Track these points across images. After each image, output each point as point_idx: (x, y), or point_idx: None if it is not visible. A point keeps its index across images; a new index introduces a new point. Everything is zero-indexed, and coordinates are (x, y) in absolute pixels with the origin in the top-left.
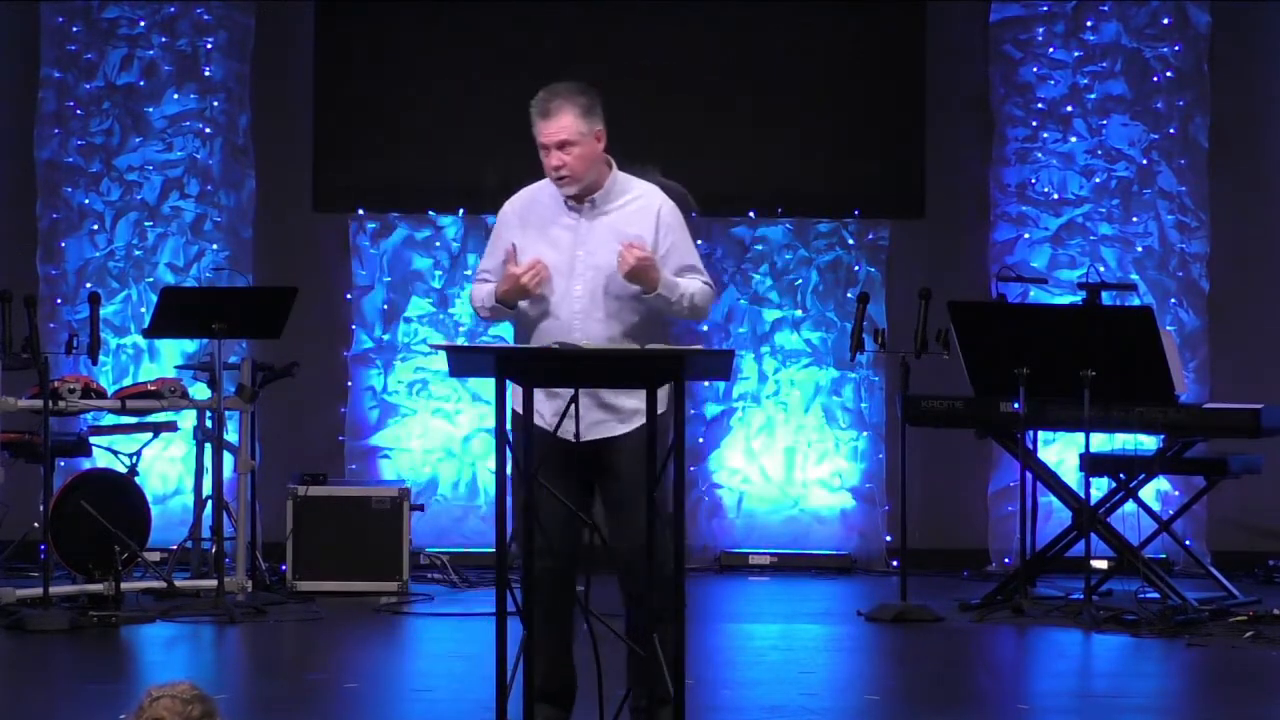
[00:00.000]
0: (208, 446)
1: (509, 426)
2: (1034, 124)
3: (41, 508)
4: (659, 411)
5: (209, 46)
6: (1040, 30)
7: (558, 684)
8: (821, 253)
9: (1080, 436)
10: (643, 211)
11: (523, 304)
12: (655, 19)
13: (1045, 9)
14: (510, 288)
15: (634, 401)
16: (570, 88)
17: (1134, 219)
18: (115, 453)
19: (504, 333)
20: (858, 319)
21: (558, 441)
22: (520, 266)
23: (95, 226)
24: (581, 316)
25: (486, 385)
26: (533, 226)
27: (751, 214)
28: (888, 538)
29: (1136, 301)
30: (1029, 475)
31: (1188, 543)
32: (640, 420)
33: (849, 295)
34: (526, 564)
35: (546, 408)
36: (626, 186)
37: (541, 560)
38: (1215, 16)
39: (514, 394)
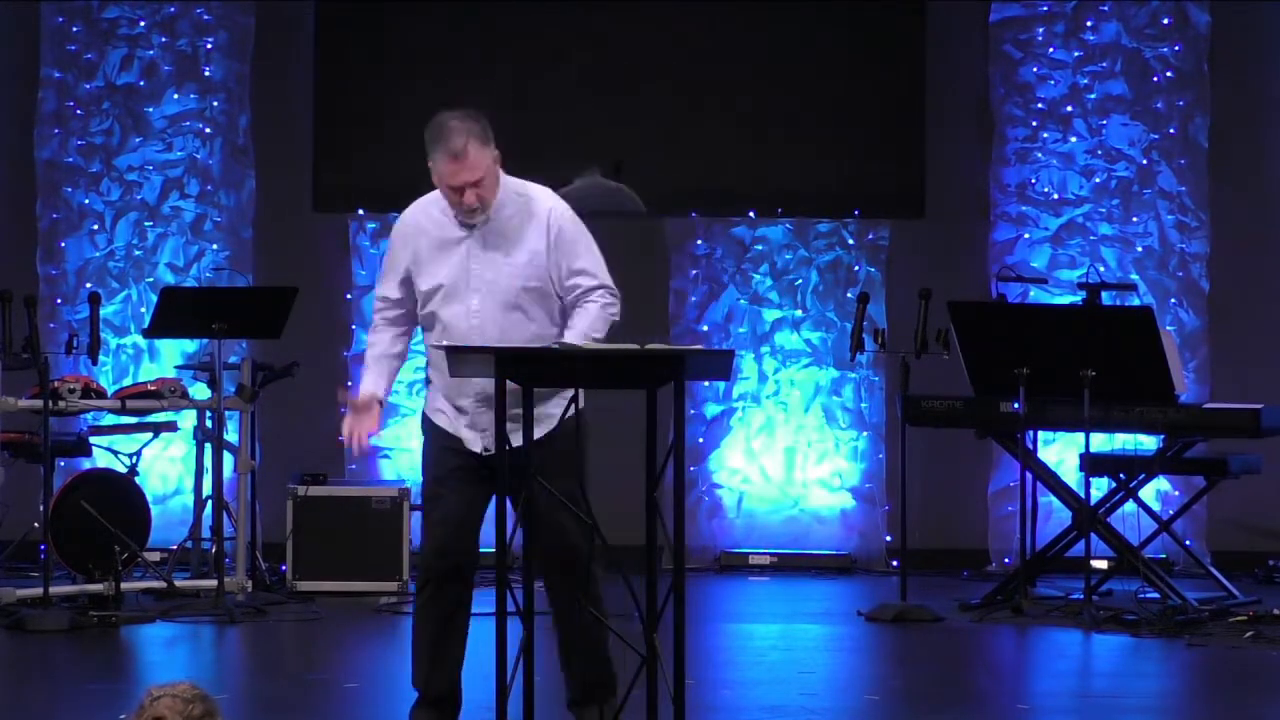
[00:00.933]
0: (208, 446)
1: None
2: (1034, 124)
3: (41, 508)
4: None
5: (209, 46)
6: (1040, 30)
7: (445, 687)
8: (821, 253)
9: (1080, 436)
10: (532, 218)
11: (425, 317)
12: (655, 19)
13: (1045, 9)
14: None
15: (539, 408)
16: (469, 124)
17: (1134, 219)
18: (115, 453)
19: None
20: (858, 319)
21: (467, 451)
22: (351, 433)
23: (95, 226)
24: (479, 332)
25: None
26: (425, 248)
27: (751, 214)
28: (888, 538)
29: (1136, 301)
30: (1029, 475)
31: (1188, 543)
32: (547, 426)
33: (849, 295)
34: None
35: (468, 433)
36: (513, 193)
37: (442, 559)
38: (1215, 16)
39: (429, 402)
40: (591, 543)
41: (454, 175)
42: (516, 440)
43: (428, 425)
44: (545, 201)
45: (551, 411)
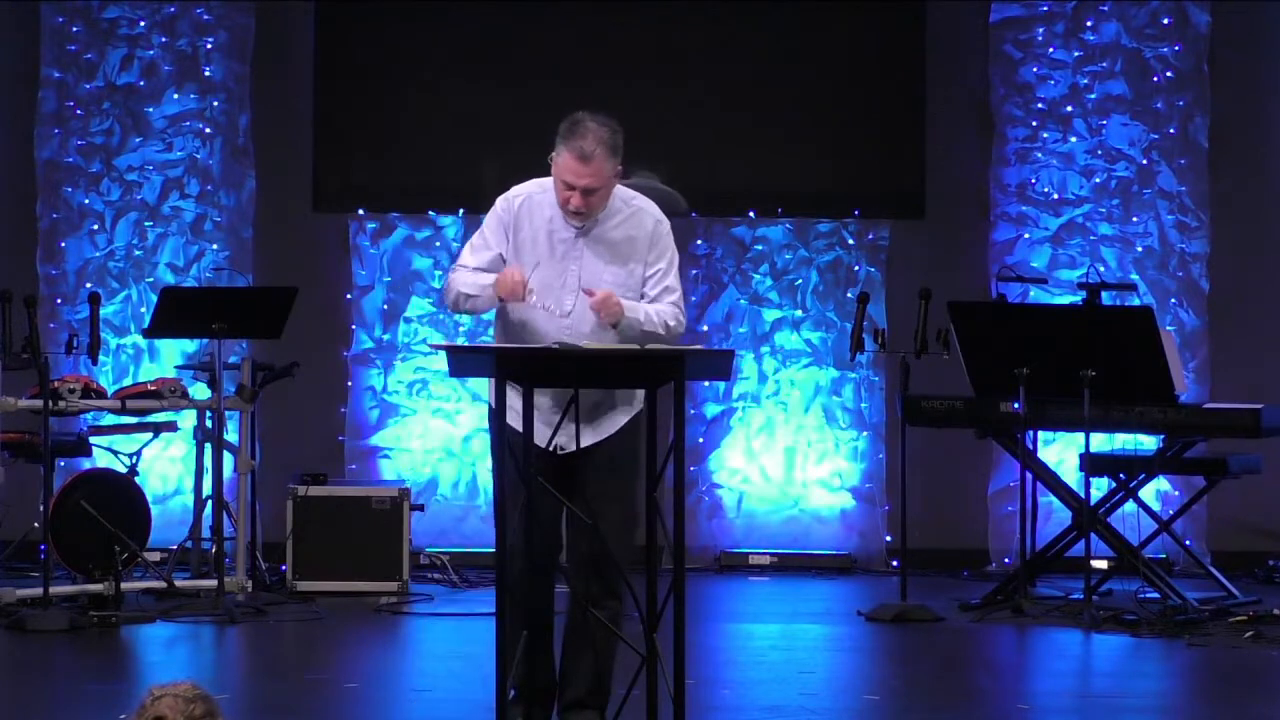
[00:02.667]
0: (208, 446)
1: (505, 432)
2: (1034, 124)
3: (41, 508)
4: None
5: (209, 46)
6: (1040, 30)
7: (520, 679)
8: (821, 253)
9: (1080, 436)
10: (637, 229)
11: (513, 315)
12: (655, 19)
13: (1045, 9)
14: (509, 294)
15: (614, 412)
16: (606, 132)
17: (1134, 219)
18: (115, 453)
19: None
20: (858, 319)
21: (539, 449)
22: (522, 278)
23: (95, 226)
24: (571, 331)
25: (487, 386)
26: (528, 234)
27: (751, 214)
28: (888, 538)
29: (1136, 301)
30: (1029, 475)
31: (1188, 543)
32: (615, 428)
33: (849, 295)
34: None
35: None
36: (622, 200)
37: (520, 561)
38: (1215, 16)
39: (509, 407)
40: (626, 555)
41: (575, 175)
42: (588, 439)
43: (500, 424)
44: (649, 216)
45: (618, 419)
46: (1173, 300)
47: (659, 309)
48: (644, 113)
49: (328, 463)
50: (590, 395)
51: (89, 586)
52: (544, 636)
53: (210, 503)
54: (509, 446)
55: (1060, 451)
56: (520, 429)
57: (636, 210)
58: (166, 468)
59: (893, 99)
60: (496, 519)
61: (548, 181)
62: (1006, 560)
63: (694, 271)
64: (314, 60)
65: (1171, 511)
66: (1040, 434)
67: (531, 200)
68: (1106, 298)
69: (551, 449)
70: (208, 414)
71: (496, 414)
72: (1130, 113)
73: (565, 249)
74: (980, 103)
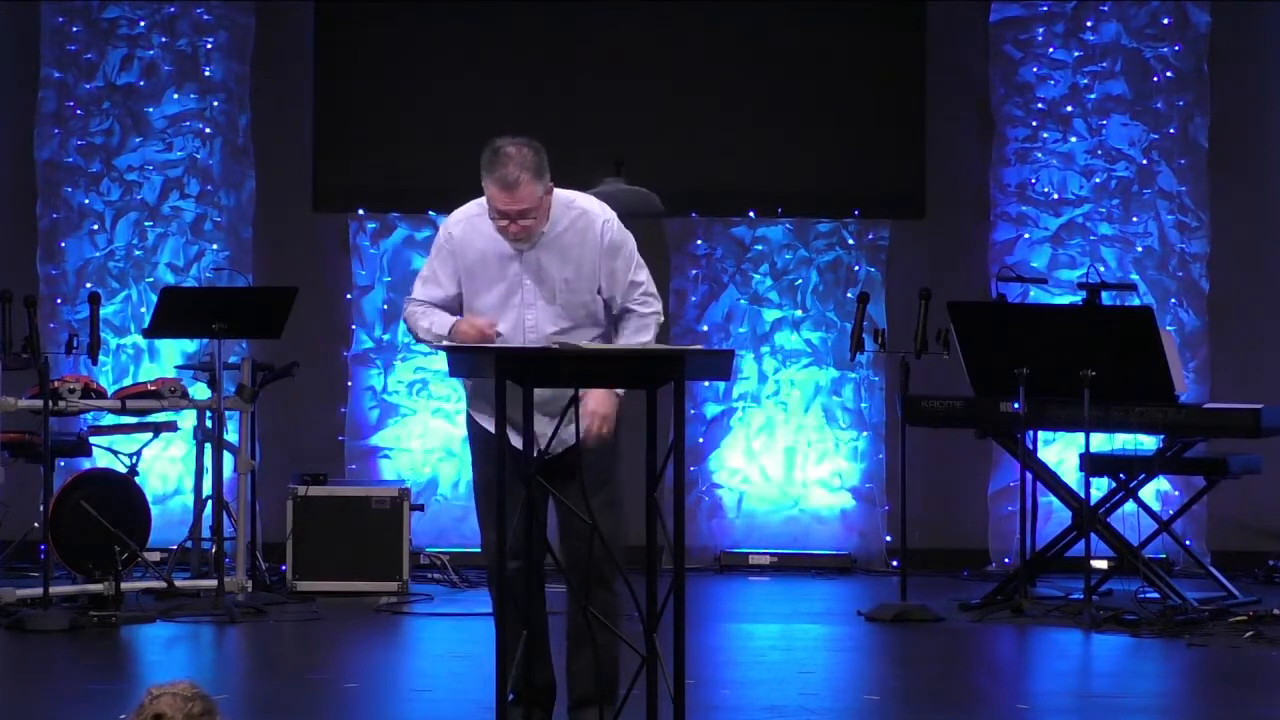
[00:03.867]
0: (208, 446)
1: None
2: (1034, 124)
3: (41, 508)
4: None
5: (209, 46)
6: (1040, 30)
7: (518, 681)
8: (821, 253)
9: (1080, 436)
10: (583, 234)
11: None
12: (655, 19)
13: (1045, 9)
14: (471, 340)
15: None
16: (525, 156)
17: (1134, 219)
18: (115, 453)
19: None
20: (858, 319)
21: (515, 451)
22: (487, 327)
23: (95, 226)
24: (536, 334)
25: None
26: (476, 258)
27: (751, 214)
28: (888, 538)
29: (1136, 301)
30: (1029, 475)
31: (1188, 543)
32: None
33: (849, 295)
34: (501, 565)
35: (517, 436)
36: (564, 204)
37: (514, 560)
38: (1215, 16)
39: (474, 402)
40: (620, 553)
41: (503, 203)
42: (570, 437)
43: (476, 430)
44: (595, 218)
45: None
46: (1173, 300)
47: (636, 330)
48: (644, 113)
49: (328, 463)
50: (559, 402)
51: (89, 586)
52: (539, 637)
53: (210, 503)
54: (488, 451)
55: (1060, 451)
56: (509, 437)
57: (581, 213)
58: (166, 468)
59: (893, 99)
60: (481, 525)
61: (483, 200)
62: (1006, 560)
63: (694, 271)
64: (314, 60)
65: (1171, 511)
66: (1040, 434)
67: (472, 223)
68: (1106, 298)
69: (537, 452)
70: (208, 414)
71: (498, 424)
72: (1130, 113)
73: (515, 265)
74: (980, 103)
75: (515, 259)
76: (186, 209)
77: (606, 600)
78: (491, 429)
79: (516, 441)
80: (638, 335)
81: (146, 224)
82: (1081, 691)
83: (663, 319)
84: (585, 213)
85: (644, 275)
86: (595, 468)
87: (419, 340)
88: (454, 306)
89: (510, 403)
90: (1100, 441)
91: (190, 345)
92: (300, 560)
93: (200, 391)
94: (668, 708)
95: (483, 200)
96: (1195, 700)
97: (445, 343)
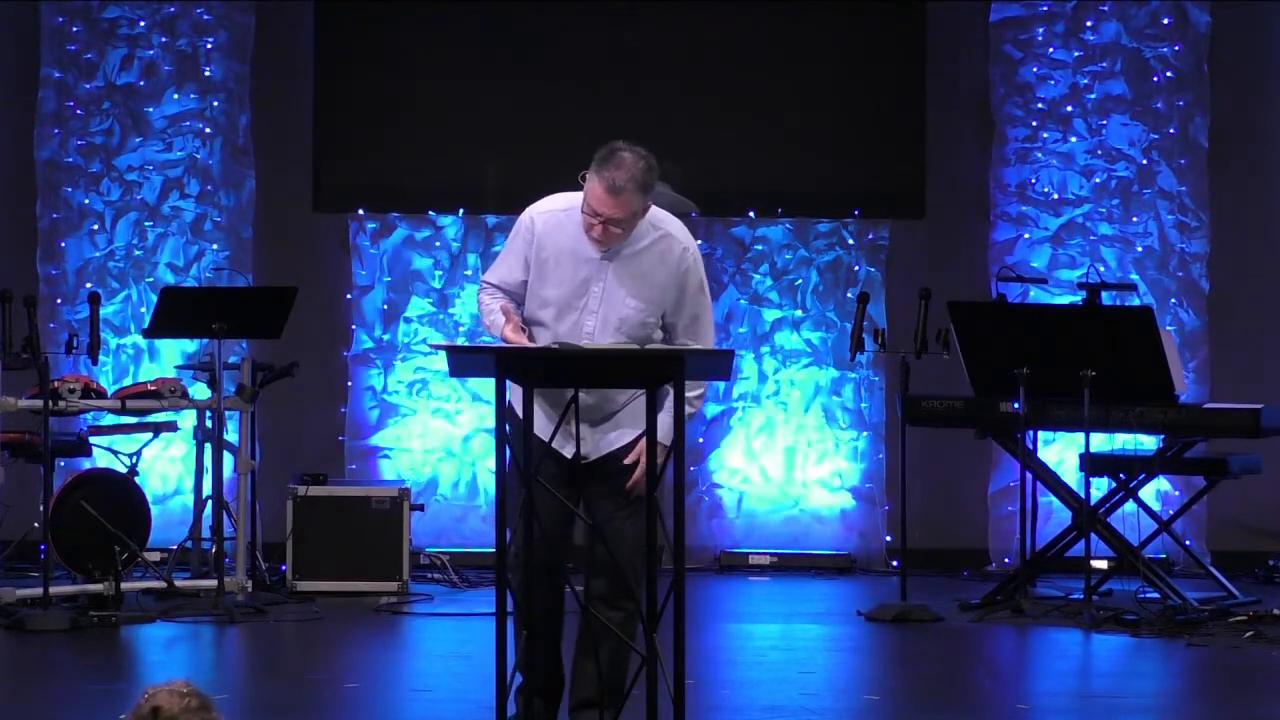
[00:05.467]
0: (208, 446)
1: (508, 426)
2: (1034, 124)
3: (41, 508)
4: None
5: (209, 46)
6: (1040, 30)
7: (539, 680)
8: (821, 253)
9: (1080, 436)
10: (663, 257)
11: (531, 319)
12: (655, 19)
13: (1045, 9)
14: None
15: (637, 416)
16: (640, 169)
17: (1134, 219)
18: (115, 453)
19: None
20: (858, 319)
21: (553, 452)
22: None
23: (95, 226)
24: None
25: (486, 385)
26: (551, 255)
27: (751, 214)
28: (888, 538)
29: (1136, 301)
30: (1029, 475)
31: (1188, 543)
32: (620, 441)
33: (849, 295)
34: (525, 561)
35: (543, 425)
36: (651, 224)
37: (527, 561)
38: (1215, 16)
39: (514, 393)
40: (645, 560)
41: (601, 205)
42: (609, 444)
43: (516, 422)
44: (677, 244)
45: (627, 435)
46: (1173, 300)
47: (684, 403)
48: (644, 113)
49: (328, 463)
50: (602, 410)
51: (89, 586)
52: (555, 637)
53: (210, 503)
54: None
55: (1060, 451)
56: (541, 436)
57: (665, 235)
58: (166, 468)
59: (893, 99)
60: (498, 522)
61: (574, 197)
62: (1006, 560)
63: None
64: (314, 60)
65: (1171, 511)
66: (1040, 434)
67: (555, 219)
68: (1106, 298)
69: (575, 459)
70: (208, 414)
71: (511, 417)
72: (1130, 113)
73: (590, 271)
74: (980, 103)
75: (591, 264)
76: (186, 209)
77: (630, 611)
78: (538, 433)
79: (563, 448)
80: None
81: (146, 224)
82: (1081, 691)
83: (702, 394)
84: (669, 235)
85: (708, 314)
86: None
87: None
88: (520, 293)
89: (554, 406)
90: (1100, 441)
91: (190, 345)
92: (300, 560)
93: (200, 391)
94: (668, 708)
95: (570, 195)
96: (1195, 700)
97: (496, 323)
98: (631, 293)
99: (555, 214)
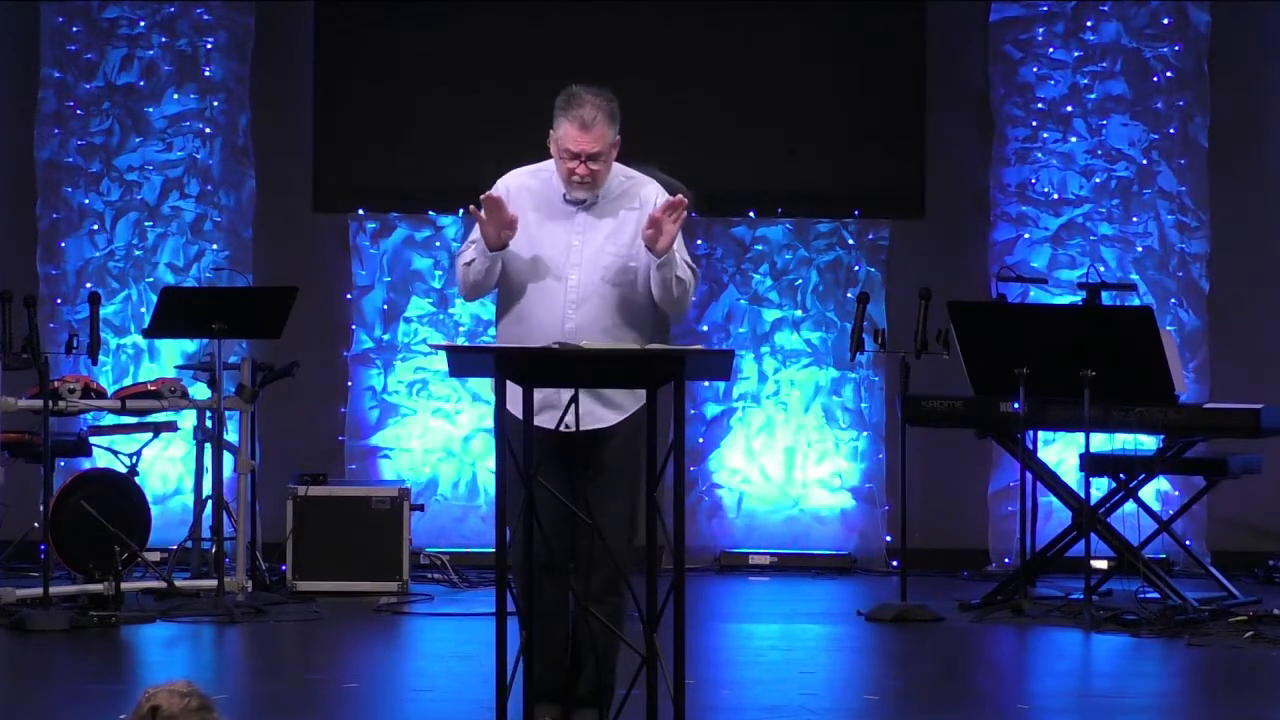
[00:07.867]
0: (208, 446)
1: (506, 426)
2: (1034, 124)
3: (41, 508)
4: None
5: (209, 46)
6: (1040, 30)
7: (556, 682)
8: (821, 253)
9: (1080, 436)
10: (634, 199)
11: (508, 291)
12: (655, 19)
13: (1045, 9)
14: (495, 228)
15: (623, 393)
16: (603, 99)
17: (1134, 219)
18: (115, 453)
19: None
20: (858, 319)
21: (548, 435)
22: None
23: (95, 226)
24: (575, 305)
25: (487, 385)
26: (528, 214)
27: (751, 214)
28: (888, 538)
29: (1136, 301)
30: (1029, 475)
31: (1188, 543)
32: (627, 411)
33: (849, 295)
34: (524, 562)
35: (546, 413)
36: (623, 176)
37: (537, 558)
38: (1215, 16)
39: (511, 396)
40: (625, 553)
41: (576, 142)
42: (599, 422)
43: (505, 421)
44: (649, 189)
45: (625, 405)
46: (1173, 300)
47: (681, 264)
48: (644, 113)
49: (328, 463)
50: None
51: (89, 586)
52: (561, 636)
53: (210, 503)
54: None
55: (1060, 451)
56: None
57: (635, 181)
58: (166, 468)
59: (893, 99)
60: (498, 522)
61: (537, 166)
62: (1006, 560)
63: None
64: (314, 60)
65: (1171, 511)
66: (1040, 434)
67: (525, 182)
68: (1106, 298)
69: (558, 428)
70: (208, 414)
71: (498, 405)
72: (1130, 113)
73: (566, 226)
74: (980, 103)
75: (567, 220)
76: (186, 209)
77: (614, 606)
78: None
79: (545, 421)
80: (685, 261)
81: (146, 224)
82: (1081, 691)
83: (694, 290)
84: (637, 179)
85: (687, 255)
86: (623, 470)
87: (460, 287)
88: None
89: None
90: (1100, 441)
91: (190, 345)
92: (300, 560)
93: (200, 391)
94: (668, 708)
95: (532, 166)
96: (1195, 700)
97: (474, 266)
98: (609, 238)
99: (523, 176)
